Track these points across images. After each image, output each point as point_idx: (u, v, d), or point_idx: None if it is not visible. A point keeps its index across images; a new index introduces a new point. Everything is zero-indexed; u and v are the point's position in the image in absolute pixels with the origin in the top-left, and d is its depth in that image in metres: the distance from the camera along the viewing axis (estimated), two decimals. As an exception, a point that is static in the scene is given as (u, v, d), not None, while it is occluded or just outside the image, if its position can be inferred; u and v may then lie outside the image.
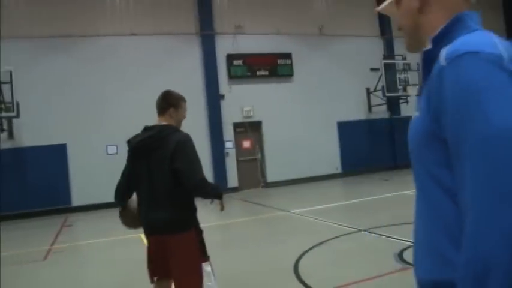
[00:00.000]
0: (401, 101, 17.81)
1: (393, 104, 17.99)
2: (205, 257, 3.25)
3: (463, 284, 0.97)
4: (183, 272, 3.11)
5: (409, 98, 17.32)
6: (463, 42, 1.08)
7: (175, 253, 3.09)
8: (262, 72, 15.43)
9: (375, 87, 17.31)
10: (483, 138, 0.97)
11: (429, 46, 1.20)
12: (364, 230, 7.37)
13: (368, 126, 17.71)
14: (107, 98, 13.72)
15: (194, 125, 14.58)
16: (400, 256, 5.72)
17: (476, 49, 1.03)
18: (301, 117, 16.15)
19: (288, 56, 15.92)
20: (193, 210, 3.22)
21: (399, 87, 16.90)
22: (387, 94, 16.64)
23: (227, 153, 15.05)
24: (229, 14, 15.44)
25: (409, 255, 5.68)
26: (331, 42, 16.94)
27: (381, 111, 17.98)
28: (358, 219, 8.37)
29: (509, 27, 21.46)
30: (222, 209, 3.25)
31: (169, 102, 3.30)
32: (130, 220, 3.38)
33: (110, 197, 3.53)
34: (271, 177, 15.68)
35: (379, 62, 17.52)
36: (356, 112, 17.43)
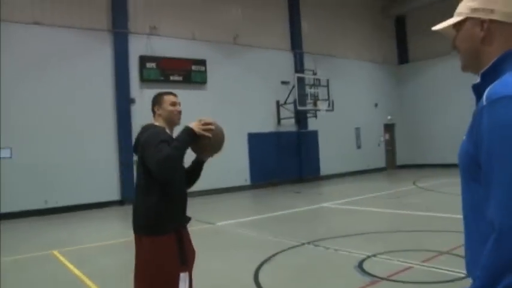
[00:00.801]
0: (309, 115, 18.22)
1: (301, 118, 18.34)
2: (184, 266, 2.87)
3: (492, 265, 1.16)
4: (145, 279, 2.88)
5: (318, 113, 17.80)
6: (504, 84, 1.22)
7: (150, 257, 2.85)
8: (176, 78, 14.70)
9: (286, 100, 17.52)
10: (509, 169, 1.15)
11: (478, 80, 1.34)
12: (307, 243, 7.12)
13: (277, 138, 17.81)
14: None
15: (101, 129, 13.49)
16: (361, 268, 5.54)
17: (508, 93, 1.18)
18: (214, 126, 15.69)
19: (202, 62, 15.40)
20: (172, 211, 2.90)
21: (309, 101, 17.27)
22: (299, 108, 16.91)
23: (136, 161, 13.96)
24: (145, 13, 14.51)
25: (370, 267, 5.53)
26: (245, 52, 16.80)
27: (289, 124, 18.21)
28: (295, 232, 8.12)
29: None
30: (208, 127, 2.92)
31: (153, 101, 3.17)
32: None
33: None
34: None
35: (290, 75, 17.81)
36: (266, 124, 17.43)
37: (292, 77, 17.77)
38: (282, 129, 18.03)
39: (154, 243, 2.85)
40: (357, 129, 21.08)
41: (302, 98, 17.09)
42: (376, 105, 22.19)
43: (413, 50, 23.42)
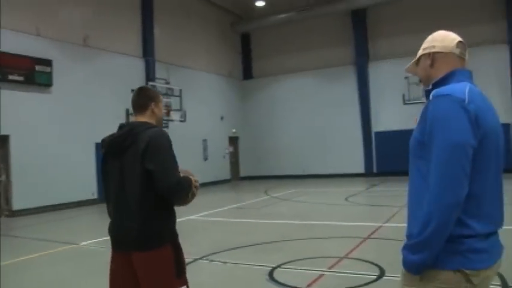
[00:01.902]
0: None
1: (151, 128, 17.56)
2: (181, 279, 2.68)
3: (421, 225, 1.70)
4: None
5: (170, 123, 17.27)
6: (445, 88, 1.81)
7: (145, 274, 2.57)
8: (16, 77, 12.73)
9: (137, 109, 16.62)
10: (441, 147, 1.70)
11: (430, 87, 1.96)
12: (200, 259, 6.66)
13: (126, 149, 16.74)
14: None
15: None
16: (275, 280, 5.35)
17: (449, 93, 1.76)
18: (59, 134, 14.04)
19: (47, 62, 13.63)
20: (170, 220, 2.71)
21: (164, 110, 16.65)
22: (152, 117, 16.18)
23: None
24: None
25: (283, 278, 5.38)
26: (96, 55, 15.48)
27: (140, 135, 17.31)
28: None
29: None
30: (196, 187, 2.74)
31: (149, 96, 2.85)
32: None
33: None
34: (18, 203, 12.93)
35: (141, 83, 16.98)
36: (115, 134, 16.26)
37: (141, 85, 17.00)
38: (131, 139, 17.02)
39: (151, 258, 2.57)
40: (204, 141, 21.09)
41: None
42: (222, 118, 22.55)
43: (257, 67, 24.52)
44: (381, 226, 8.56)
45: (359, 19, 21.62)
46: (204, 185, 20.01)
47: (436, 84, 1.90)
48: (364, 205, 12.12)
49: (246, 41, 24.68)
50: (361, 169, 21.72)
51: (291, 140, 23.17)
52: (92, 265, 6.72)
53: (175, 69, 18.86)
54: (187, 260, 6.42)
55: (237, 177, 23.67)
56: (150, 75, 17.40)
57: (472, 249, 1.65)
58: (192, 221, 10.57)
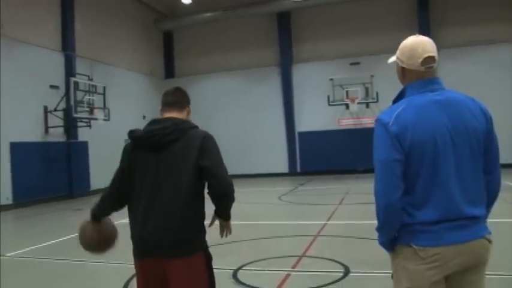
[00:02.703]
0: (81, 124, 16.53)
1: (71, 127, 16.51)
2: None
3: (376, 212, 2.16)
4: None
5: (93, 122, 16.32)
6: (385, 111, 2.18)
7: (179, 282, 2.41)
8: None
9: (56, 107, 15.55)
10: (375, 161, 2.14)
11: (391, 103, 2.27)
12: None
13: (44, 149, 15.58)
14: None
15: None
16: (243, 283, 5.21)
17: (380, 117, 2.15)
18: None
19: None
20: (203, 227, 2.56)
21: (85, 108, 15.73)
22: (74, 115, 15.20)
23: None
24: None
25: (250, 280, 5.25)
26: (11, 46, 14.18)
27: (58, 134, 16.21)
28: (115, 255, 7.06)
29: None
30: (230, 232, 2.73)
31: (187, 97, 2.77)
32: (100, 238, 2.72)
33: None
34: None
35: (60, 79, 15.97)
36: (31, 133, 15.06)
37: (62, 82, 15.94)
38: (50, 138, 15.87)
39: (187, 265, 2.43)
40: (126, 141, 20.14)
41: (75, 105, 15.42)
42: (144, 117, 21.78)
43: (179, 66, 24.03)
44: (326, 224, 8.71)
45: (284, 21, 22.02)
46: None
47: (395, 99, 2.27)
48: (299, 204, 12.27)
49: (168, 39, 24.10)
50: (284, 169, 22.11)
51: (215, 140, 22.96)
52: (33, 278, 6.10)
53: (98, 65, 17.88)
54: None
55: (160, 178, 23.02)
56: (70, 70, 16.31)
57: (417, 230, 2.08)
58: (121, 225, 10.04)
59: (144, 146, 2.52)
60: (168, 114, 2.65)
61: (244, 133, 22.49)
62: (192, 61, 23.48)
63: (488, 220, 2.22)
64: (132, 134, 2.60)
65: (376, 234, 2.25)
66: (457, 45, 19.48)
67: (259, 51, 22.63)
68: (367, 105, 20.46)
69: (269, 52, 22.42)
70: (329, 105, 20.29)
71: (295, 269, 5.70)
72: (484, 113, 2.16)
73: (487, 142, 2.15)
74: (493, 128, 2.19)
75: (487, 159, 2.16)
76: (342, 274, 5.29)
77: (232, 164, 22.11)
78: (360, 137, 20.89)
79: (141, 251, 2.50)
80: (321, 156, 21.05)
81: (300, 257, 6.25)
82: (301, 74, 21.99)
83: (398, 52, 2.25)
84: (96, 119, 16.00)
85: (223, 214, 2.62)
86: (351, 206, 11.12)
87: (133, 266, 2.61)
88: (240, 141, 22.43)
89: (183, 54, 23.79)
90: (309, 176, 20.34)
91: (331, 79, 20.14)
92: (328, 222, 8.90)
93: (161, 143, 2.48)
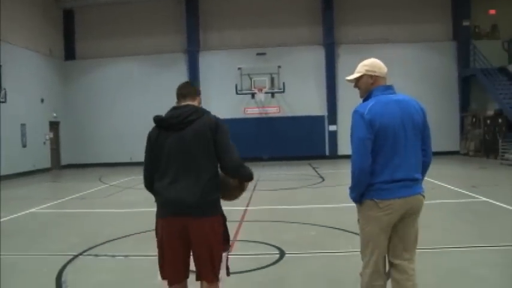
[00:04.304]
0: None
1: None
2: (227, 245, 3.21)
3: (351, 175, 3.05)
4: (210, 258, 2.99)
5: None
6: (360, 105, 3.07)
7: (199, 238, 2.96)
8: None
9: None
10: (353, 140, 3.02)
11: (361, 101, 3.17)
12: (80, 255, 6.10)
13: None
14: None
15: None
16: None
17: (357, 109, 3.03)
18: None
19: None
20: (221, 191, 3.12)
21: None
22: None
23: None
24: None
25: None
26: None
27: None
28: (39, 247, 6.72)
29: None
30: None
31: (198, 90, 3.32)
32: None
33: None
34: None
35: None
36: None
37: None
38: None
39: (206, 224, 2.95)
40: (23, 126, 18.85)
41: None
42: (42, 100, 20.44)
43: (81, 48, 22.78)
44: (246, 210, 9.03)
45: (192, 7, 21.88)
46: (21, 174, 17.94)
47: (365, 98, 3.15)
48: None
49: (69, 19, 22.69)
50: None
51: (118, 126, 22.28)
52: None
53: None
54: (65, 258, 5.87)
55: (58, 165, 21.77)
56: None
57: (377, 188, 2.98)
58: (36, 215, 9.51)
59: (168, 126, 3.02)
60: (184, 103, 3.14)
61: (148, 119, 21.85)
62: (95, 43, 22.39)
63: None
64: (157, 117, 3.11)
65: (347, 192, 3.17)
66: (356, 42, 20.95)
67: (165, 36, 22.29)
68: (273, 95, 21.19)
69: (176, 38, 22.19)
70: (237, 93, 20.66)
71: (231, 253, 5.90)
72: (422, 110, 3.12)
73: (423, 129, 3.10)
74: (426, 120, 3.13)
75: (423, 141, 3.11)
76: (278, 256, 5.62)
77: (134, 151, 21.89)
78: (265, 126, 21.64)
79: (166, 211, 2.98)
80: (228, 144, 21.40)
81: (233, 242, 6.46)
82: (208, 62, 22.08)
83: (368, 67, 3.15)
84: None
85: (245, 179, 3.13)
86: (266, 192, 11.61)
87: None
88: (143, 127, 21.61)
89: (85, 35, 22.56)
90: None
91: (239, 68, 20.49)
92: (248, 208, 9.24)
93: (184, 122, 2.98)
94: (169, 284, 3.10)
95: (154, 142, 3.08)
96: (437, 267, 4.97)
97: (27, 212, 9.76)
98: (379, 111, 2.98)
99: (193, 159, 2.95)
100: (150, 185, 3.15)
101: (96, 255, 6.07)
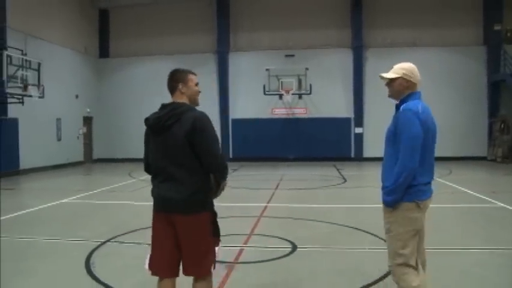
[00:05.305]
0: (13, 100, 15.87)
1: (0, 103, 15.84)
2: (216, 237, 3.28)
3: (393, 179, 3.10)
4: (196, 253, 3.13)
5: (26, 99, 15.75)
6: (407, 104, 3.20)
7: (185, 234, 3.10)
8: None
9: (-15, 81, 14.86)
10: (407, 137, 3.07)
11: (398, 102, 3.31)
12: (107, 241, 6.59)
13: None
14: None
15: None
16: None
17: (410, 108, 3.16)
18: None
19: None
20: (209, 190, 3.20)
21: (19, 85, 15.16)
22: (8, 90, 14.64)
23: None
24: None
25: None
26: None
27: (-13, 110, 15.52)
28: (77, 232, 7.27)
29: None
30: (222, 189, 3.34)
31: (176, 78, 3.27)
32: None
33: None
34: None
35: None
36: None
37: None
38: (-24, 114, 15.17)
39: (191, 221, 3.09)
40: (59, 120, 19.70)
41: (6, 80, 14.83)
42: (77, 96, 21.28)
43: (114, 46, 23.57)
44: (266, 206, 9.37)
45: (223, 9, 22.33)
46: (56, 167, 18.79)
47: (402, 100, 3.26)
48: (238, 188, 12.77)
49: (104, 18, 23.52)
50: (217, 154, 22.55)
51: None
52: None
53: (32, 40, 17.19)
54: (94, 244, 6.34)
55: (90, 159, 22.61)
56: (0, 43, 15.58)
57: (418, 190, 3.11)
58: (69, 205, 10.10)
59: (154, 131, 3.17)
60: (172, 99, 3.28)
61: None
62: (128, 42, 23.12)
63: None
64: (146, 121, 3.23)
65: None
66: (384, 46, 21.00)
67: (196, 37, 22.80)
68: (300, 96, 21.46)
69: (207, 39, 22.66)
70: (264, 94, 21.01)
71: (247, 245, 6.28)
72: (433, 118, 3.33)
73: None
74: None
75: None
76: (290, 249, 5.95)
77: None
78: (292, 127, 21.92)
79: (158, 206, 3.21)
80: (253, 144, 21.79)
81: (250, 235, 6.84)
82: (237, 63, 22.49)
83: (406, 71, 3.28)
84: (30, 95, 15.48)
85: (222, 181, 3.26)
86: (287, 191, 11.90)
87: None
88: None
89: (119, 34, 23.35)
90: (240, 162, 20.96)
91: (267, 69, 20.84)
92: (269, 205, 9.58)
93: (163, 128, 3.09)
94: (153, 274, 3.25)
95: (146, 140, 3.28)
96: (439, 267, 5.20)
97: (61, 201, 10.39)
98: (426, 114, 3.17)
99: (177, 161, 3.05)
100: (148, 170, 3.34)
101: (122, 242, 6.55)
